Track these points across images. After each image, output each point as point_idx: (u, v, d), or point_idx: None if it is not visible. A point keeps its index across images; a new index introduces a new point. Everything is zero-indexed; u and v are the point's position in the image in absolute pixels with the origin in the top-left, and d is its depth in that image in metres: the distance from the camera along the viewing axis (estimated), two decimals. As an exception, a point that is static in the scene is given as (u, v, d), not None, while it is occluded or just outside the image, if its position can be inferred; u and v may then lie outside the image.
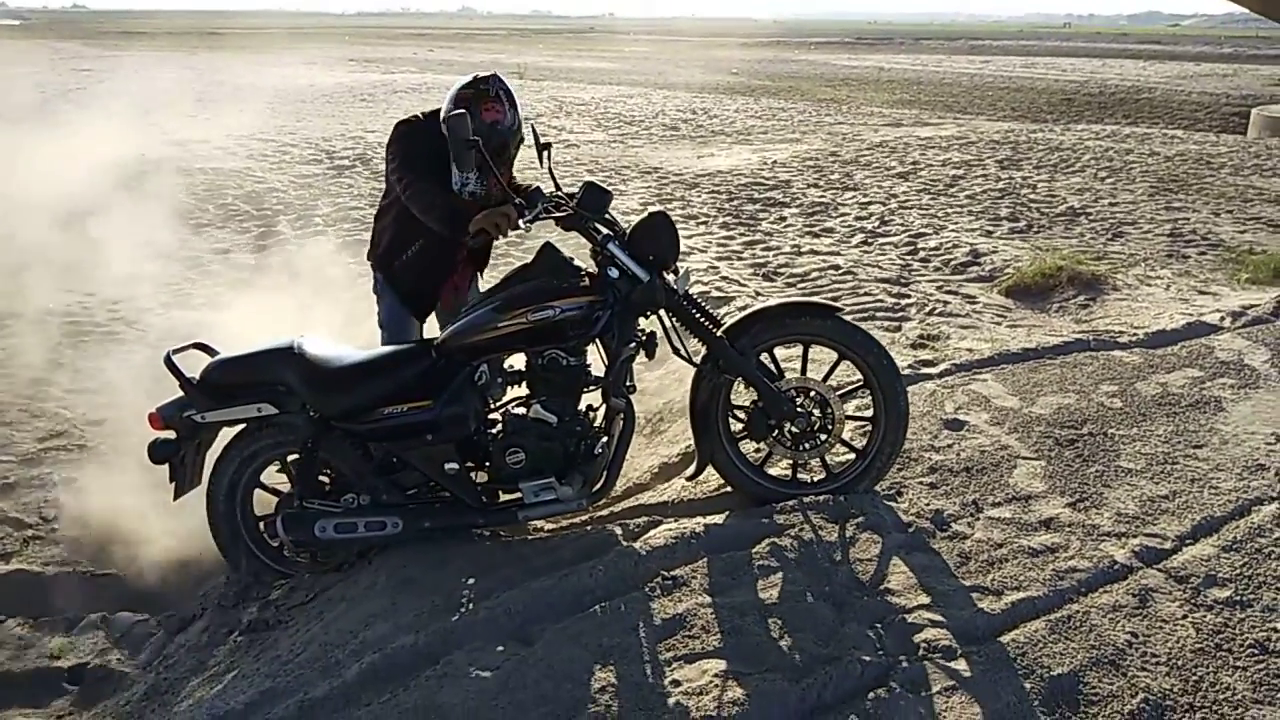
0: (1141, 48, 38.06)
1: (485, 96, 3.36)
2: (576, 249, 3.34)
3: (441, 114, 3.41)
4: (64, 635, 3.49)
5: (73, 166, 9.92)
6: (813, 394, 3.37)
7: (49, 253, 7.27)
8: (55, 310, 6.57)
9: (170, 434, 3.37)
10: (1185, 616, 2.69)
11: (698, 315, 3.30)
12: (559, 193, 3.33)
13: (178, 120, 14.88)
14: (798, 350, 3.51)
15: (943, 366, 4.65)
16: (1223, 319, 5.30)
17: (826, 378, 3.42)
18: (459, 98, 3.37)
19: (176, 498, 3.52)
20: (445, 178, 3.51)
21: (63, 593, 3.72)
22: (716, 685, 2.46)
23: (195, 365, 3.36)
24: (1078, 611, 2.70)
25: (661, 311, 3.30)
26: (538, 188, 3.32)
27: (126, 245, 7.38)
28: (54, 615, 3.60)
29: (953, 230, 8.10)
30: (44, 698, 3.24)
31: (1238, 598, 2.76)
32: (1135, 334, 5.09)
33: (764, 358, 3.41)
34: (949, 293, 6.30)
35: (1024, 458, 3.66)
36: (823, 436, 3.38)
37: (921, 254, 7.37)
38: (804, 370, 3.44)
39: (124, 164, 10.55)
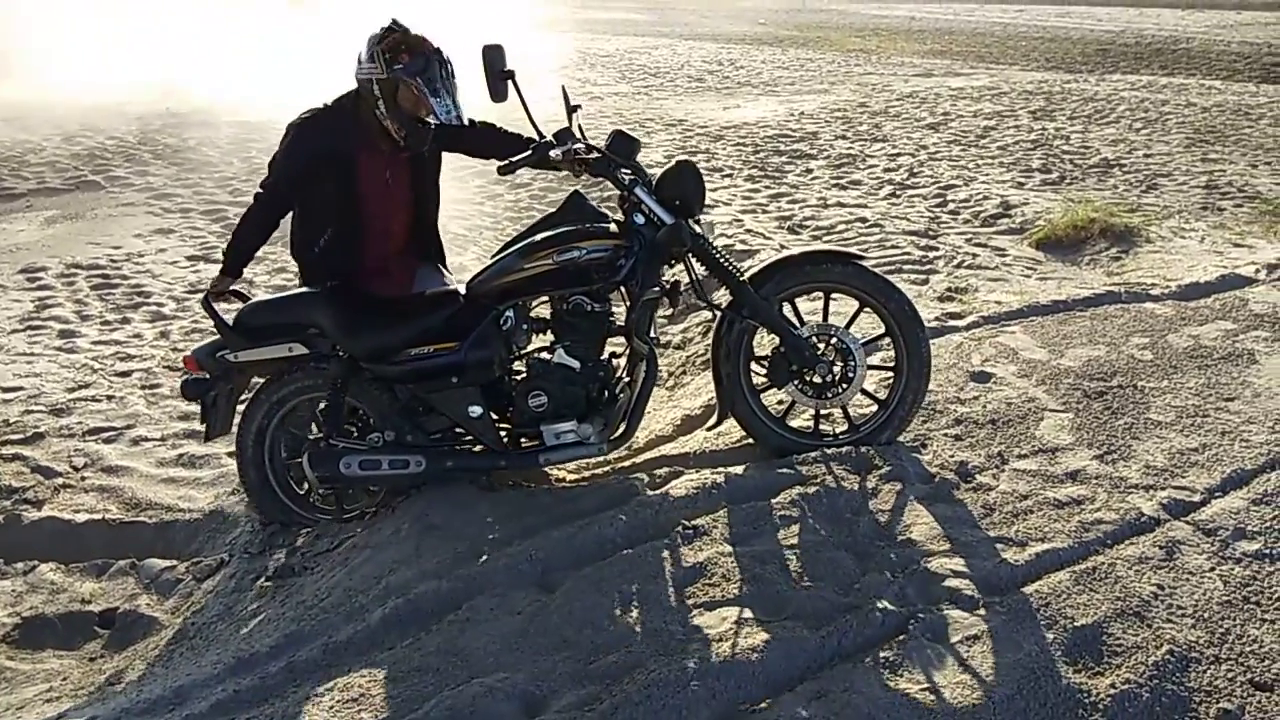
0: (1181, -4, 36.95)
1: (409, 39, 3.17)
2: (605, 204, 3.30)
3: (357, 70, 3.21)
4: (95, 580, 3.55)
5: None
6: (834, 340, 3.34)
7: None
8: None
9: (204, 375, 3.46)
10: (1213, 569, 2.66)
11: (722, 261, 3.28)
12: (588, 142, 3.32)
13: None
14: (819, 305, 3.48)
15: (970, 319, 4.58)
16: (1257, 271, 5.18)
17: (848, 327, 3.39)
18: (379, 50, 3.15)
19: (207, 439, 3.64)
20: (332, 185, 3.35)
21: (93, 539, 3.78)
22: (735, 632, 2.46)
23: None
24: (1103, 563, 2.67)
25: (687, 258, 3.29)
26: (565, 128, 3.30)
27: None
28: (85, 561, 3.66)
29: (983, 182, 7.96)
30: (77, 640, 3.30)
31: (1267, 551, 2.72)
32: (1168, 286, 4.99)
33: (786, 309, 3.39)
34: (978, 245, 6.20)
35: (1051, 410, 3.61)
36: (844, 386, 3.35)
37: (951, 206, 7.25)
38: (825, 319, 3.41)
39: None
